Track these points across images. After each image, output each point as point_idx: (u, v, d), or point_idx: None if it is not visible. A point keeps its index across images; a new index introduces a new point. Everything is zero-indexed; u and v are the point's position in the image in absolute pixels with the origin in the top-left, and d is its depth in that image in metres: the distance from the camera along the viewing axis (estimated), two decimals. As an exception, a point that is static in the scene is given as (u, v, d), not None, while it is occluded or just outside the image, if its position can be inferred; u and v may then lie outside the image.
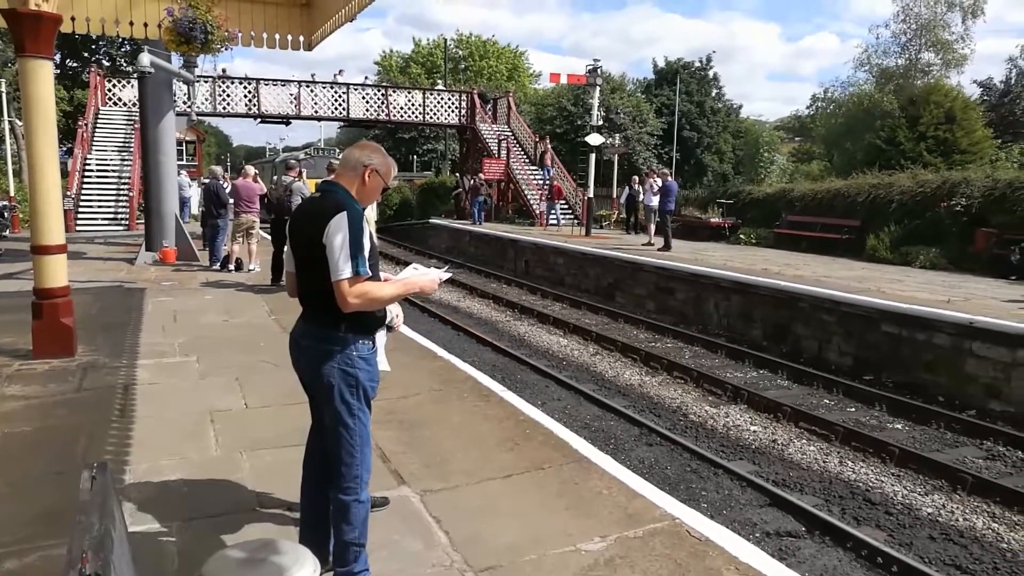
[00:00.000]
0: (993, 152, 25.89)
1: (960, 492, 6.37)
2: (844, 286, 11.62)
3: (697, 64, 42.80)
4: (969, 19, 35.33)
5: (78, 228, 19.99)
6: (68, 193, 19.95)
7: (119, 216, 21.26)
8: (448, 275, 3.25)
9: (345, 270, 2.77)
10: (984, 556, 5.37)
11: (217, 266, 13.00)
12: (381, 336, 3.22)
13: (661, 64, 42.91)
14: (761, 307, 12.10)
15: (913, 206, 17.07)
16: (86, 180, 21.71)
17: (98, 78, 25.83)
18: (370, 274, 2.88)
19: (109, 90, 26.07)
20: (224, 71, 27.11)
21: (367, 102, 29.34)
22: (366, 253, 2.84)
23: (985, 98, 34.41)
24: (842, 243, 18.11)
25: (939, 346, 9.27)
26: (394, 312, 3.26)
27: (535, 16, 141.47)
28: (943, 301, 10.30)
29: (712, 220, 22.86)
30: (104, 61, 34.65)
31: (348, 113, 29.12)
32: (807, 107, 44.24)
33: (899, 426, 8.12)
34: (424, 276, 3.14)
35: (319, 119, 31.11)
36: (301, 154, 35.43)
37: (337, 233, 2.78)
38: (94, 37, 30.04)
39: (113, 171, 22.46)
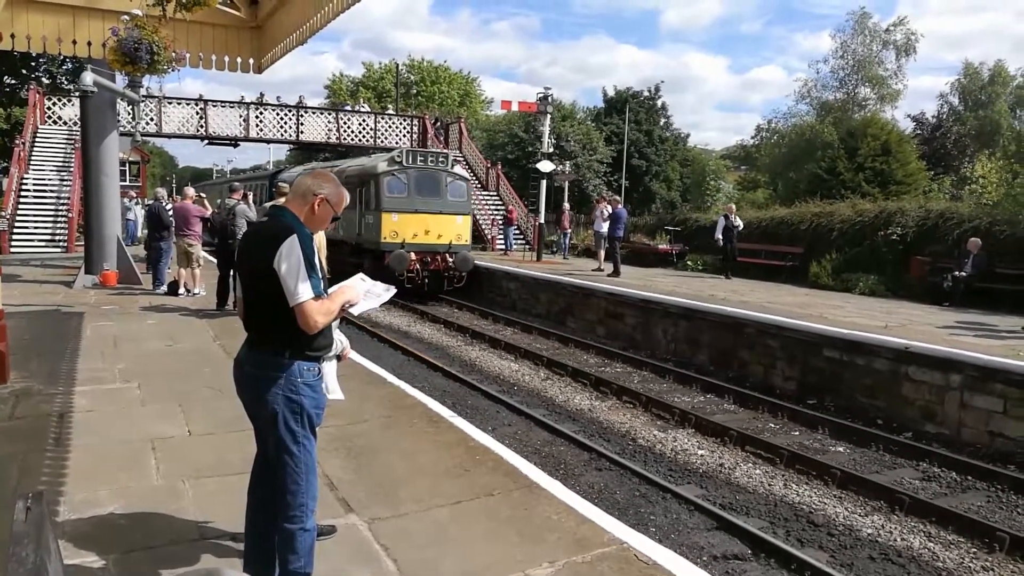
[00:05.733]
0: (926, 183, 27.03)
1: (898, 512, 6.55)
2: (788, 312, 11.92)
3: (646, 93, 43.71)
4: (902, 57, 36.99)
5: (12, 250, 19.36)
6: (2, 213, 19.34)
7: (57, 238, 20.64)
8: (391, 292, 3.25)
9: (305, 292, 2.78)
10: (921, 575, 5.52)
11: (161, 290, 12.70)
12: (331, 366, 3.20)
13: (611, 93, 43.70)
14: (708, 332, 12.32)
15: (853, 234, 17.68)
16: (22, 200, 21.07)
17: (37, 96, 25.17)
18: (325, 294, 2.91)
19: (49, 108, 25.42)
20: (160, 89, 26.59)
21: (318, 125, 29.17)
22: (319, 274, 2.86)
23: (918, 132, 35.91)
24: (786, 270, 18.60)
25: (878, 370, 9.57)
26: (341, 341, 3.24)
27: (491, 44, 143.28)
28: (881, 327, 10.64)
29: (660, 247, 23.28)
30: (44, 79, 33.73)
31: (298, 136, 28.90)
32: (752, 137, 45.49)
33: (841, 449, 8.32)
34: (359, 287, 3.11)
35: (268, 141, 30.83)
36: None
37: (290, 257, 2.78)
38: (35, 55, 29.31)
39: (51, 191, 21.84)
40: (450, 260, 18.08)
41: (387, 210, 17.55)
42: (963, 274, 13.88)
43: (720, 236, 18.20)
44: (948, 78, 66.68)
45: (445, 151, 21.16)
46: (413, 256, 17.47)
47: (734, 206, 19.96)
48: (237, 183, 12.73)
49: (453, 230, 18.40)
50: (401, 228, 17.58)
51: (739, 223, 18.38)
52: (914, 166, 26.77)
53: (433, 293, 18.38)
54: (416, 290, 17.50)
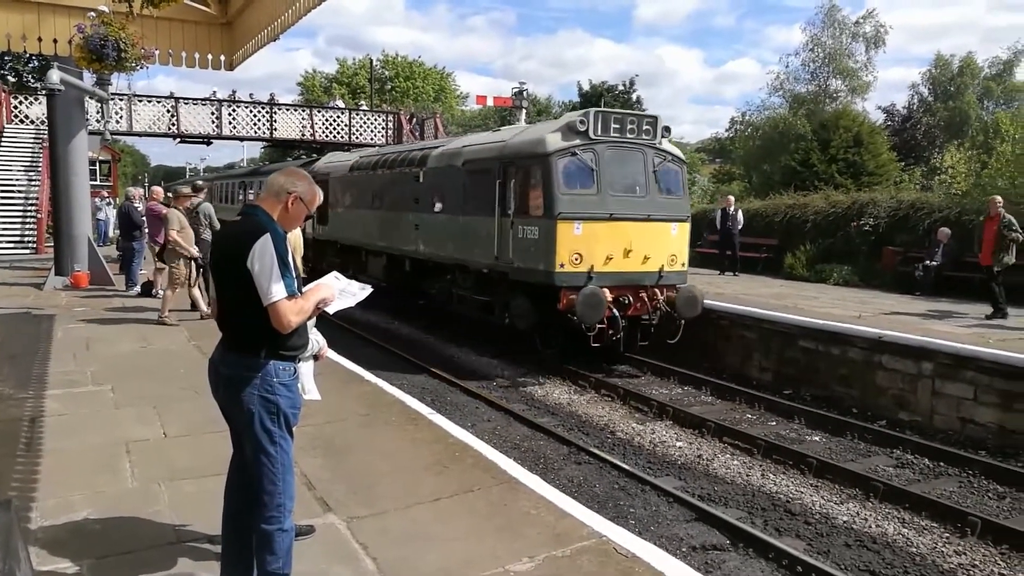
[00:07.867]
0: (897, 174, 27.32)
1: (873, 500, 6.65)
2: (763, 303, 12.03)
3: (621, 87, 43.82)
4: (872, 49, 37.37)
5: (-20, 252, 19.00)
6: (-30, 215, 18.96)
7: (26, 239, 20.29)
8: (367, 291, 3.22)
9: (278, 291, 2.76)
10: (896, 560, 5.61)
11: (134, 291, 12.52)
12: (308, 366, 3.17)
13: (586, 87, 43.77)
14: (685, 324, 12.35)
15: (827, 226, 17.83)
16: (-11, 201, 20.69)
17: (3, 94, 24.67)
18: (299, 293, 2.89)
19: (15, 107, 24.93)
20: (130, 87, 26.19)
21: (291, 122, 28.88)
22: (293, 273, 2.84)
23: (889, 123, 36.30)
24: (761, 261, 18.72)
25: (852, 360, 9.69)
26: (318, 341, 3.22)
27: (467, 39, 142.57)
28: (855, 317, 10.77)
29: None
30: (10, 77, 33.12)
31: (272, 133, 28.60)
32: (726, 130, 45.72)
33: (817, 438, 8.42)
34: (332, 287, 3.09)
35: (241, 139, 30.47)
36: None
37: (264, 256, 2.76)
38: None
39: (19, 192, 21.43)
40: (660, 297, 10.66)
41: (566, 217, 10.05)
42: (934, 263, 14.08)
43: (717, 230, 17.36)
44: (919, 69, 67.51)
45: (652, 114, 11.28)
46: (608, 295, 10.04)
47: (732, 198, 17.90)
48: (200, 182, 12.53)
49: (666, 248, 10.78)
50: (588, 247, 10.17)
51: (740, 219, 17.16)
52: (885, 157, 27.04)
53: (624, 353, 11.12)
54: (603, 349, 10.42)
